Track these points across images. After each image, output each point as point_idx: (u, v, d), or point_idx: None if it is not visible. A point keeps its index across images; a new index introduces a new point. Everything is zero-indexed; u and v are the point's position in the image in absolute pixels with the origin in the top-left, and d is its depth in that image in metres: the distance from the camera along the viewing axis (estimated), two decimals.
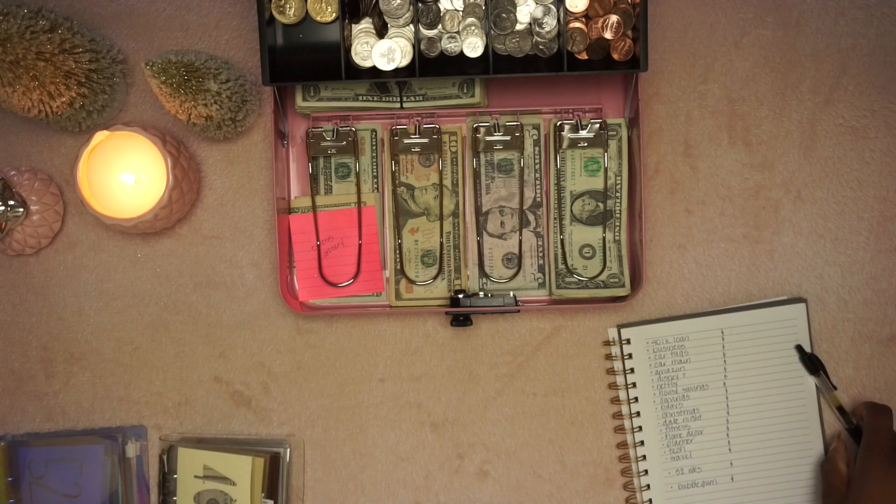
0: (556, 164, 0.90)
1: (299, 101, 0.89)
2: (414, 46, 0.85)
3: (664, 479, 0.90)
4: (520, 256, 0.90)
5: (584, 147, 0.90)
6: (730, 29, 0.91)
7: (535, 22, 0.84)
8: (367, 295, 0.91)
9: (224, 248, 0.92)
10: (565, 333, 0.92)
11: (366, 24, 0.86)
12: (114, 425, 0.92)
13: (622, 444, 0.91)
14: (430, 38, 0.85)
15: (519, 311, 0.88)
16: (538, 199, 0.91)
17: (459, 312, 0.88)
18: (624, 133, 0.89)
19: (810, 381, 0.90)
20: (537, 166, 0.90)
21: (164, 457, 0.91)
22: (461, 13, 0.85)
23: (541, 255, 0.91)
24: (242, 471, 0.89)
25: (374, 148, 0.91)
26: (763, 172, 0.91)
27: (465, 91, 0.89)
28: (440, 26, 0.85)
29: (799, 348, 0.89)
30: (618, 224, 0.90)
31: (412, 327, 0.92)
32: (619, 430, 0.91)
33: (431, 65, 0.86)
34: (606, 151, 0.89)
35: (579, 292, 0.89)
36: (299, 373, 0.92)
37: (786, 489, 0.90)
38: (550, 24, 0.84)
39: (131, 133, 0.84)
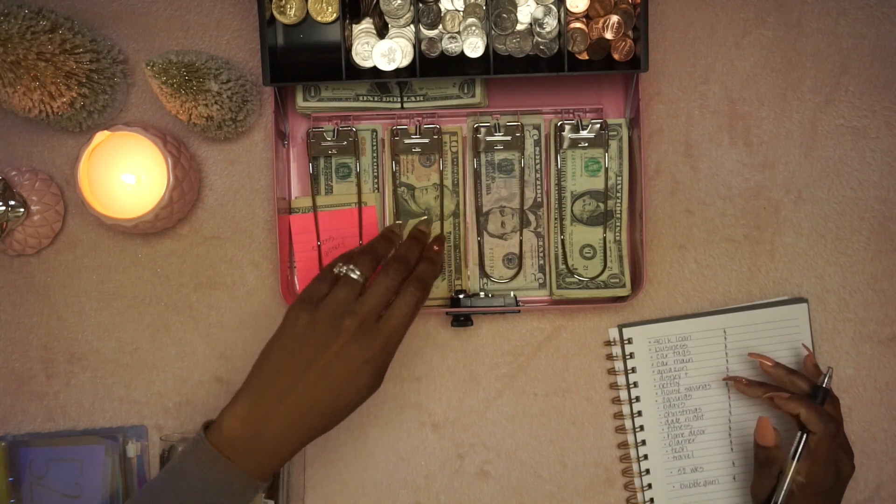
0: (557, 165, 0.90)
1: (300, 102, 0.89)
2: (414, 47, 0.85)
3: (666, 478, 0.90)
4: (520, 257, 0.90)
5: (584, 147, 0.90)
6: (730, 29, 0.91)
7: (536, 22, 0.84)
8: None
9: (224, 249, 0.92)
10: (566, 333, 0.92)
11: (366, 24, 0.86)
12: (114, 425, 0.92)
13: (623, 444, 0.91)
14: (430, 39, 0.85)
15: (519, 311, 0.88)
16: (539, 200, 0.91)
17: (460, 312, 0.88)
18: (624, 133, 0.89)
19: None
20: (538, 166, 0.90)
21: (165, 457, 0.91)
22: (462, 13, 0.85)
23: (541, 255, 0.91)
24: None
25: (374, 148, 0.91)
26: (764, 172, 0.91)
27: (465, 91, 0.89)
28: (441, 26, 0.85)
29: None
30: (618, 224, 0.90)
31: (412, 327, 0.91)
32: (620, 429, 0.91)
33: (432, 65, 0.86)
34: (607, 151, 0.90)
35: (580, 292, 0.89)
36: None
37: None
38: (551, 24, 0.84)
39: (132, 133, 0.84)
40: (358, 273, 0.74)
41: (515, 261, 0.91)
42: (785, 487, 0.80)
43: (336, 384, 0.70)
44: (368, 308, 0.71)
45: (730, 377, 0.88)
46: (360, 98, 0.89)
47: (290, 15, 0.85)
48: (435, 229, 0.90)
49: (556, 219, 0.90)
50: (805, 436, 0.80)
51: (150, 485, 0.72)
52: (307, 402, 0.70)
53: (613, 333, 0.91)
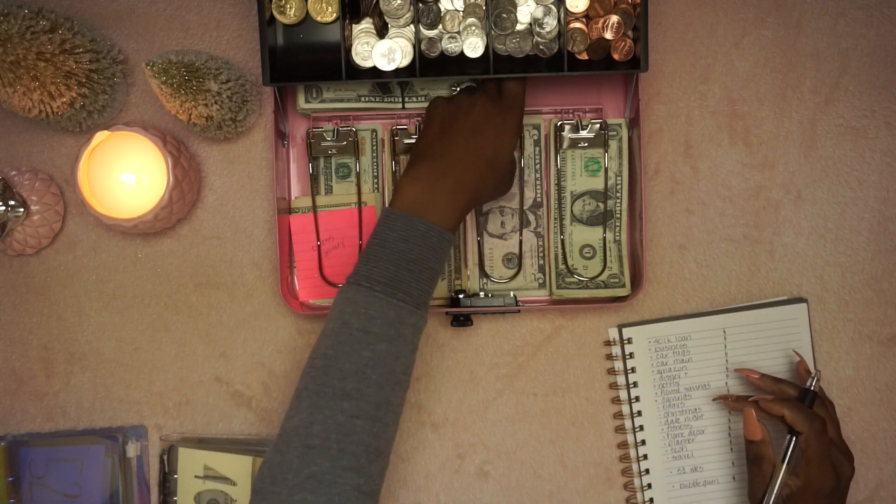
0: (557, 165, 0.90)
1: (301, 103, 0.89)
2: (414, 47, 0.85)
3: (665, 478, 0.90)
4: (520, 256, 0.90)
5: (584, 147, 0.90)
6: (730, 29, 0.91)
7: (536, 22, 0.84)
8: None
9: (224, 248, 0.92)
10: (566, 333, 0.92)
11: (366, 24, 0.86)
12: (114, 425, 0.92)
13: (623, 444, 0.91)
14: (430, 39, 0.85)
15: (519, 311, 0.88)
16: (538, 200, 0.91)
17: (460, 312, 0.88)
18: (624, 133, 0.89)
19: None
20: (538, 166, 0.90)
21: (165, 457, 0.91)
22: (461, 13, 0.85)
23: (541, 255, 0.91)
24: (243, 471, 0.89)
25: (374, 148, 0.91)
26: (763, 172, 0.91)
27: None
28: (440, 26, 0.85)
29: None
30: (618, 224, 0.90)
31: None
32: (620, 429, 0.91)
33: (432, 65, 0.86)
34: (607, 151, 0.90)
35: (580, 292, 0.89)
36: (300, 373, 0.91)
37: None
38: (551, 24, 0.84)
39: (132, 133, 0.84)
40: (473, 84, 0.89)
41: (515, 261, 0.91)
42: (776, 490, 0.79)
43: (488, 136, 0.81)
44: (490, 85, 0.85)
45: (719, 396, 0.88)
46: (362, 99, 0.89)
47: (290, 15, 0.85)
48: None
49: (555, 219, 0.90)
50: (794, 438, 0.80)
51: (354, 270, 0.76)
52: (470, 152, 0.80)
53: (613, 333, 0.91)
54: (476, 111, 0.81)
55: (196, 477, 0.90)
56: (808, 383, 0.82)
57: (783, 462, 0.80)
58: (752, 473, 0.82)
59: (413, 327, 0.75)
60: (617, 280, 0.89)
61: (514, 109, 0.83)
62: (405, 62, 0.85)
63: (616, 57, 0.85)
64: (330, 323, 0.75)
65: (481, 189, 0.81)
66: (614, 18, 0.84)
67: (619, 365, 0.91)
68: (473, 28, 0.85)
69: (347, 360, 0.72)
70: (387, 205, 0.83)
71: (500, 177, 0.83)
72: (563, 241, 0.90)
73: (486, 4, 0.84)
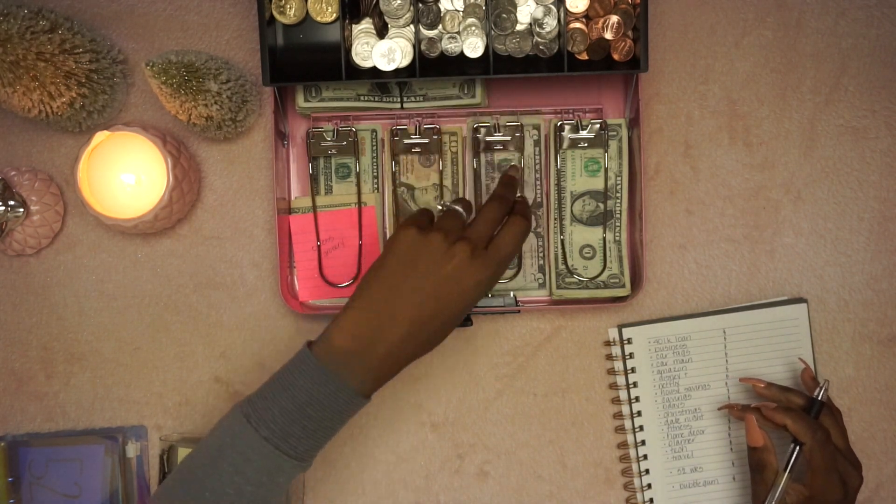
0: (557, 165, 0.90)
1: (300, 102, 0.89)
2: (414, 47, 0.85)
3: (665, 478, 0.90)
4: (520, 256, 0.90)
5: (584, 147, 0.90)
6: (730, 29, 0.91)
7: (536, 22, 0.84)
8: None
9: (224, 249, 0.92)
10: (565, 334, 0.92)
11: (366, 24, 0.86)
12: (114, 425, 0.92)
13: (623, 444, 0.91)
14: (430, 39, 0.85)
15: (519, 311, 0.88)
16: (538, 200, 0.91)
17: None
18: (624, 133, 0.89)
19: None
20: (537, 167, 0.90)
21: (165, 457, 0.91)
22: (461, 13, 0.85)
23: (541, 255, 0.91)
24: None
25: (374, 148, 0.91)
26: (763, 173, 0.91)
27: (465, 91, 0.89)
28: (440, 27, 0.85)
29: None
30: (618, 224, 0.90)
31: None
32: (620, 430, 0.91)
33: (432, 65, 0.86)
34: (607, 152, 0.90)
35: (579, 292, 0.89)
36: None
37: None
38: (551, 24, 0.84)
39: (132, 133, 0.84)
40: (460, 208, 0.77)
41: (515, 261, 0.91)
42: (776, 498, 0.79)
43: (448, 304, 0.71)
44: (479, 235, 0.74)
45: (725, 405, 0.87)
46: (361, 98, 0.89)
47: (290, 15, 0.85)
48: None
49: (555, 219, 0.90)
50: (797, 448, 0.79)
51: (252, 396, 0.72)
52: (420, 319, 0.71)
53: (613, 333, 0.91)
54: (451, 266, 0.71)
55: None
56: (816, 393, 0.81)
57: (785, 470, 0.79)
58: (755, 481, 0.82)
59: (289, 476, 0.71)
60: (617, 280, 0.89)
61: (495, 268, 0.74)
62: (405, 62, 0.85)
63: (616, 57, 0.85)
64: (210, 438, 0.72)
65: (417, 355, 0.73)
66: (614, 18, 0.84)
67: (618, 365, 0.91)
68: (473, 28, 0.85)
69: (214, 484, 0.69)
70: (320, 335, 0.74)
71: (446, 336, 0.74)
72: (562, 241, 0.90)
73: (486, 4, 0.84)
